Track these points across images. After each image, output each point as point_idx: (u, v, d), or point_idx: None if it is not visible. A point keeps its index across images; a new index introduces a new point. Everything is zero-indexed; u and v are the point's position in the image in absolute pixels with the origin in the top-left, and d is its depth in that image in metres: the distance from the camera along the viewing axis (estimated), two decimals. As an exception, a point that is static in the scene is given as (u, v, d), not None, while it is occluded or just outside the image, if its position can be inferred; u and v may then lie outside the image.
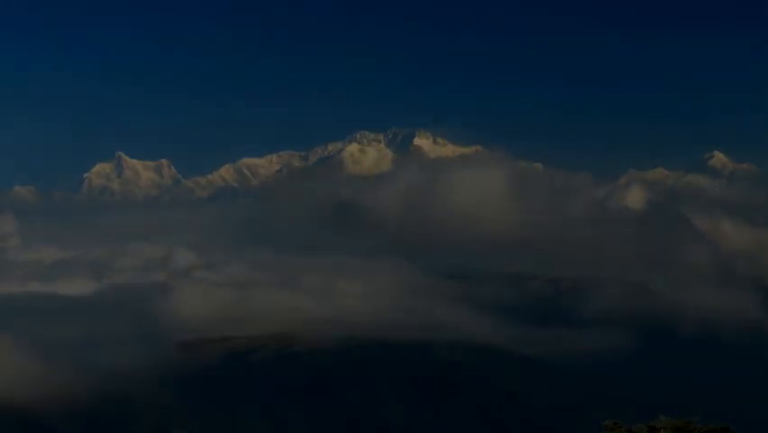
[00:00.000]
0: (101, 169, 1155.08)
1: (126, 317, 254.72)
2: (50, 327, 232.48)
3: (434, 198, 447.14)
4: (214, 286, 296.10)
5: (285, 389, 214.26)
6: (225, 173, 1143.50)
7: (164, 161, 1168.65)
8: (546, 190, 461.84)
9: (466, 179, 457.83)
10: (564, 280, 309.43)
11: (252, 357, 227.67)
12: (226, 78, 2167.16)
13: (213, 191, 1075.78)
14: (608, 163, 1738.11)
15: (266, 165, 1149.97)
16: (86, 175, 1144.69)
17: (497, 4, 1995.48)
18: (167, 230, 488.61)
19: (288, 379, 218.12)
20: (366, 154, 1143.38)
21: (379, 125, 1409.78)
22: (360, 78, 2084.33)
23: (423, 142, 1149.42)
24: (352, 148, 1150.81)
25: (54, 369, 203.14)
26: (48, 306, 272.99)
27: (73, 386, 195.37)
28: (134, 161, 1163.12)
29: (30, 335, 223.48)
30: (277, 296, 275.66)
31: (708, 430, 35.75)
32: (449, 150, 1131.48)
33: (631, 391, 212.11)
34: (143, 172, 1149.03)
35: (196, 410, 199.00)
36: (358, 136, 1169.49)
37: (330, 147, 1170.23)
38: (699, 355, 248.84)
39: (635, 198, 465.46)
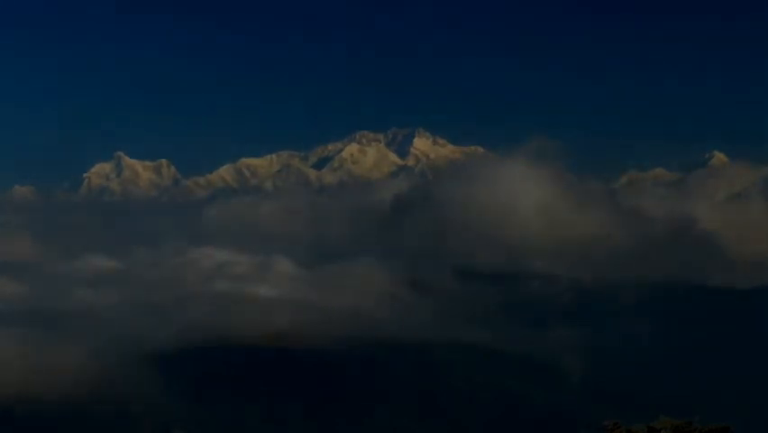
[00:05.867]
0: (101, 169, 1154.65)
1: (126, 317, 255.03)
2: (50, 328, 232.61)
3: (432, 198, 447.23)
4: (213, 286, 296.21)
5: (285, 389, 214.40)
6: (225, 173, 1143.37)
7: (163, 161, 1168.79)
8: (547, 190, 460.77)
9: (466, 179, 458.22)
10: (564, 280, 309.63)
11: (252, 357, 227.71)
12: (226, 78, 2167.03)
13: (212, 191, 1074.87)
14: (607, 163, 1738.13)
15: (266, 165, 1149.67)
16: (85, 175, 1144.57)
17: (497, 3, 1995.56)
18: (165, 231, 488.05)
19: (288, 379, 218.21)
20: (366, 155, 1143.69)
21: (379, 125, 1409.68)
22: (360, 78, 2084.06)
23: (423, 142, 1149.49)
24: (352, 148, 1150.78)
25: (55, 370, 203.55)
26: (48, 307, 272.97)
27: (73, 387, 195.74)
28: (134, 161, 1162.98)
29: (30, 337, 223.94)
30: (277, 296, 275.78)
31: (709, 430, 35.78)
32: (449, 150, 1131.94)
33: (631, 391, 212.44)
34: (143, 172, 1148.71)
35: (196, 410, 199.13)
36: (358, 136, 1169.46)
37: (330, 147, 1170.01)
38: (700, 355, 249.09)
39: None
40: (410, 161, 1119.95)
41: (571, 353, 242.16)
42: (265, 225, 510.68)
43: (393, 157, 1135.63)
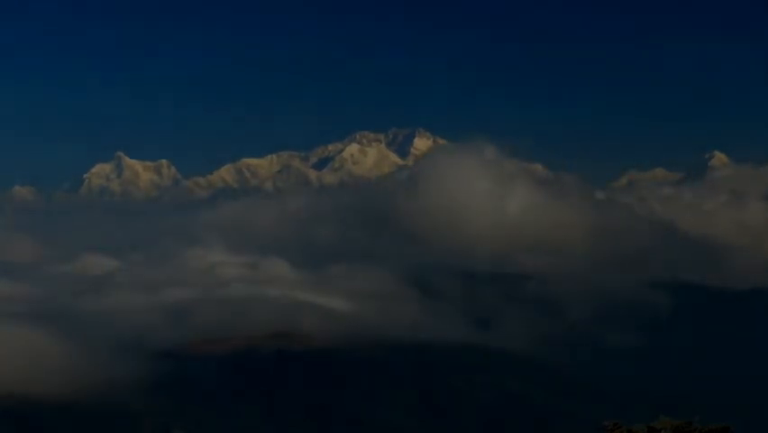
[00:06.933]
0: (101, 169, 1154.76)
1: (125, 317, 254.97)
2: (50, 328, 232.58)
3: (432, 197, 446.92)
4: (213, 287, 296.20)
5: (285, 389, 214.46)
6: (225, 173, 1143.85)
7: (164, 161, 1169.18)
8: (545, 190, 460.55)
9: (459, 178, 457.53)
10: (563, 279, 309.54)
11: (252, 357, 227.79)
12: (226, 79, 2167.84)
13: (212, 192, 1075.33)
14: (607, 163, 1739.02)
15: (266, 165, 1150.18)
16: (85, 175, 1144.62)
17: (497, 3, 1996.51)
18: (165, 231, 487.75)
19: (288, 379, 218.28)
20: (366, 155, 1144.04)
21: (379, 126, 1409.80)
22: (359, 79, 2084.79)
23: (423, 142, 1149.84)
24: (353, 148, 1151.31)
25: (55, 370, 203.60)
26: (48, 307, 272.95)
27: (73, 387, 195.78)
28: (134, 162, 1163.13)
29: (30, 337, 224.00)
30: (276, 296, 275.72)
31: (709, 430, 35.76)
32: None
33: (631, 391, 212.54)
34: (143, 173, 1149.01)
35: (196, 411, 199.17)
36: (358, 137, 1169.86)
37: (330, 147, 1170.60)
38: (700, 355, 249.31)
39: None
40: (410, 161, 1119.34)
41: (571, 353, 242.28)
42: (265, 225, 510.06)
43: (393, 157, 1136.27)
